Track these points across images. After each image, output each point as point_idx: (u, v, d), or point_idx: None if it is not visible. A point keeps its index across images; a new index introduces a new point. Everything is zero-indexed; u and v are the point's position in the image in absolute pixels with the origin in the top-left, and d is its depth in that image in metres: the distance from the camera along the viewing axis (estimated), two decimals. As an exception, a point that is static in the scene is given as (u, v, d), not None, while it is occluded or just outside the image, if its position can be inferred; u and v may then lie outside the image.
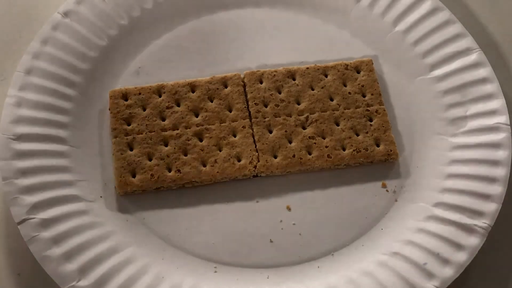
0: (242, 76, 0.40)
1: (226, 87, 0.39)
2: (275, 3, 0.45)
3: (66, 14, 0.41)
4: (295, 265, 0.35)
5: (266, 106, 0.38)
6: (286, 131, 0.37)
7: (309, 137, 0.37)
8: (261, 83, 0.39)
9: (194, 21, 0.44)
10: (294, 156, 0.37)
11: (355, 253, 0.35)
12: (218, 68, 0.41)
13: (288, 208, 0.37)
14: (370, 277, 0.34)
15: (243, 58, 0.42)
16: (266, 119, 0.38)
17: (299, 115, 0.38)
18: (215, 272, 0.35)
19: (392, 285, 0.33)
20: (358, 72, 0.40)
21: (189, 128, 0.38)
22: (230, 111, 0.38)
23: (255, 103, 0.38)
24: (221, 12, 0.44)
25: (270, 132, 0.38)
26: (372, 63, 0.40)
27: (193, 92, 0.39)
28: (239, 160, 0.37)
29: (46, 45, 0.40)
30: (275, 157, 0.37)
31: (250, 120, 0.38)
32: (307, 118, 0.38)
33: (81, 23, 0.42)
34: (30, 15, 0.46)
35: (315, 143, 0.37)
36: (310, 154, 0.37)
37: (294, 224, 0.37)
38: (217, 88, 0.39)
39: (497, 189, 0.35)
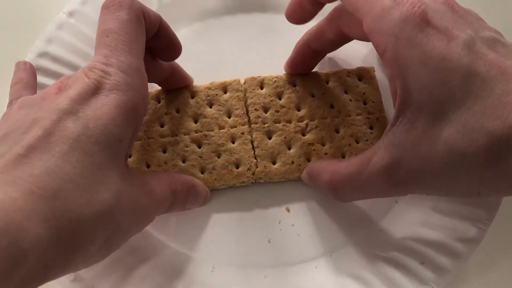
0: (242, 81, 0.39)
1: (225, 92, 0.39)
2: (281, 9, 0.43)
3: (71, 14, 0.42)
4: (293, 265, 0.35)
5: (266, 112, 0.38)
6: (285, 137, 0.37)
7: (308, 143, 0.37)
8: (262, 88, 0.39)
9: (198, 23, 0.44)
10: (293, 162, 0.37)
11: (354, 254, 0.35)
12: (221, 71, 0.41)
13: (288, 210, 0.37)
14: (367, 277, 0.34)
15: (246, 62, 0.42)
16: (266, 125, 0.38)
17: (299, 122, 0.38)
18: (212, 271, 0.35)
19: (391, 285, 0.33)
20: (360, 80, 0.40)
21: (188, 135, 0.38)
22: (229, 117, 0.38)
23: (255, 109, 0.38)
24: (226, 16, 0.44)
25: (270, 138, 0.38)
26: (374, 71, 0.40)
27: (192, 98, 0.39)
28: (237, 167, 0.37)
29: (50, 45, 0.40)
30: (274, 163, 0.37)
31: (249, 126, 0.38)
32: (307, 124, 0.38)
33: (86, 23, 0.42)
34: (31, 14, 0.46)
35: (314, 149, 0.37)
36: (309, 161, 0.37)
37: (292, 225, 0.37)
38: (216, 94, 0.39)
39: None
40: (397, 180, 0.28)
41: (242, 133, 0.37)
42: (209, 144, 0.37)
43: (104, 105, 0.26)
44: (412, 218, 0.36)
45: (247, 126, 0.38)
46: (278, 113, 0.38)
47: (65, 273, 0.24)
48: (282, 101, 0.39)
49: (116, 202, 0.25)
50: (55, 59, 0.40)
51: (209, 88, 0.39)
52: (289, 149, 0.37)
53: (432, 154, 0.26)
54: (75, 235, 0.23)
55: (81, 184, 0.24)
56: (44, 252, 0.22)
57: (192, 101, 0.39)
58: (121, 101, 0.27)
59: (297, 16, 0.35)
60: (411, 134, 0.27)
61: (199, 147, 0.37)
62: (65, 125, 0.25)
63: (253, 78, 0.39)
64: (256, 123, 0.38)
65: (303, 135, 0.38)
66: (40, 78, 0.38)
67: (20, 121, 0.26)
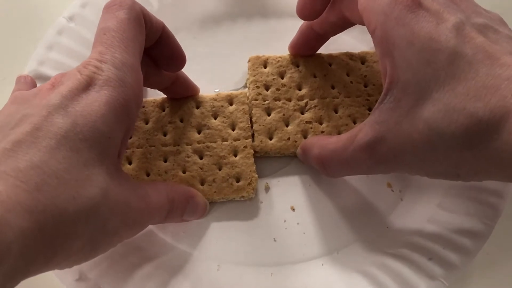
0: (247, 60, 0.40)
1: (231, 104, 0.39)
2: (281, 14, 0.44)
3: (71, 18, 0.42)
4: (299, 263, 0.36)
5: (267, 90, 0.39)
6: (284, 115, 0.38)
7: (306, 121, 0.38)
8: (265, 67, 0.40)
9: (199, 28, 0.44)
10: (289, 139, 0.37)
11: (360, 251, 0.36)
12: (221, 75, 0.41)
13: (292, 209, 0.37)
14: (375, 274, 0.34)
15: (246, 66, 0.41)
16: (266, 102, 0.38)
17: (298, 100, 0.38)
18: (218, 270, 0.35)
19: (398, 281, 0.33)
20: (363, 63, 0.40)
21: (190, 145, 0.37)
22: (233, 130, 0.38)
23: (256, 86, 0.39)
24: (227, 20, 0.44)
25: (269, 115, 0.38)
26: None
27: (197, 108, 0.39)
28: (237, 181, 0.36)
29: (51, 51, 0.40)
30: (271, 138, 0.38)
31: (253, 138, 0.38)
32: (306, 103, 0.38)
33: (86, 27, 0.41)
34: (30, 15, 0.46)
35: (311, 127, 0.38)
36: (305, 138, 0.37)
37: (298, 223, 0.37)
38: (222, 106, 0.39)
39: (502, 187, 0.35)
40: (379, 156, 0.29)
41: (245, 147, 0.37)
42: (211, 156, 0.37)
43: (94, 102, 0.26)
44: (418, 215, 0.36)
45: (250, 139, 0.37)
46: (279, 91, 0.39)
47: (47, 270, 0.24)
48: (284, 80, 0.39)
49: (103, 199, 0.25)
50: (57, 65, 0.40)
51: (215, 99, 0.39)
52: (287, 126, 0.38)
53: (413, 133, 0.26)
54: (58, 230, 0.23)
55: (66, 179, 0.23)
56: (27, 246, 0.21)
57: (197, 111, 0.38)
58: (111, 98, 0.26)
59: (308, 8, 0.34)
60: (395, 113, 0.27)
61: (201, 158, 0.37)
62: (53, 120, 0.25)
63: (258, 57, 0.40)
64: (257, 100, 0.38)
65: (302, 113, 0.38)
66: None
67: (10, 116, 0.26)
